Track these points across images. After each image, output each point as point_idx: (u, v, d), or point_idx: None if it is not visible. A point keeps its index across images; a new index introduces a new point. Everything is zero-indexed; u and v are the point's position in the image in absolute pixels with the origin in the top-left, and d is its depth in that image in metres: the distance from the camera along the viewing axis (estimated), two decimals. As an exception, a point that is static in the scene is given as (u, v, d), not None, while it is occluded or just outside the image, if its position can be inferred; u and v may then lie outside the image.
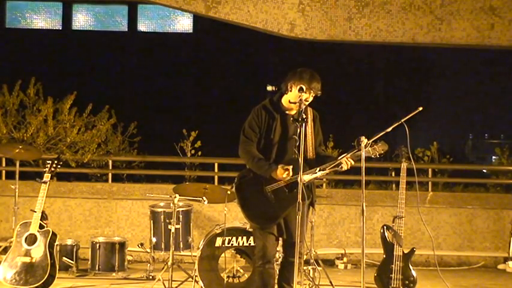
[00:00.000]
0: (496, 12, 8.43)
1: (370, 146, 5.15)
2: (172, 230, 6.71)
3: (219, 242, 6.52)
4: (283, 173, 5.14)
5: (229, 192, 6.50)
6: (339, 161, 5.20)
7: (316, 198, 5.58)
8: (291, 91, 5.27)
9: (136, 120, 10.20)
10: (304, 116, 5.07)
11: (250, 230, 6.23)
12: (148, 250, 7.37)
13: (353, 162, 5.20)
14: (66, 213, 8.86)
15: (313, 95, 5.27)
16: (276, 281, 5.62)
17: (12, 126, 9.36)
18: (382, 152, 5.21)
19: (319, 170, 5.21)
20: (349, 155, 5.19)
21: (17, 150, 7.65)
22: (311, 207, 5.54)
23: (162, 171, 10.31)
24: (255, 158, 5.25)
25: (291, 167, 5.12)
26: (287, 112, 5.33)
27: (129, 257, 8.01)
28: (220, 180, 9.45)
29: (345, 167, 5.19)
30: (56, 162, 6.90)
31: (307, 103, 5.25)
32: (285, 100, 5.35)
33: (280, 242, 5.46)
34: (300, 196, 4.87)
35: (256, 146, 5.32)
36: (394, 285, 6.47)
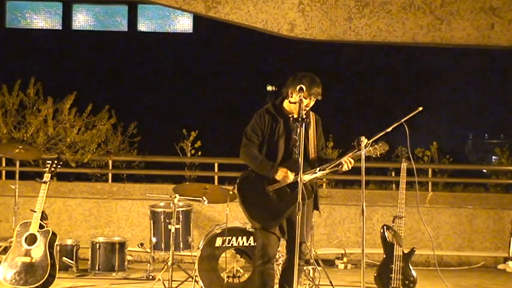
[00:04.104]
0: (496, 12, 8.43)
1: (370, 146, 5.16)
2: (172, 230, 6.71)
3: (219, 242, 6.52)
4: (281, 177, 5.15)
5: (231, 192, 6.49)
6: (339, 161, 5.21)
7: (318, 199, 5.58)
8: (291, 97, 5.28)
9: (136, 120, 10.20)
10: (304, 116, 5.09)
11: (250, 230, 6.25)
12: (148, 250, 7.37)
13: (353, 162, 5.22)
14: (66, 213, 8.86)
15: (314, 100, 5.29)
16: (276, 281, 5.63)
17: (12, 126, 9.36)
18: (383, 151, 5.23)
19: (319, 170, 5.23)
20: (349, 155, 5.20)
21: (17, 150, 7.65)
22: (315, 211, 5.56)
23: (162, 171, 10.30)
24: (257, 158, 5.27)
25: (293, 174, 5.12)
26: (289, 116, 5.34)
27: (129, 257, 8.01)
28: (220, 180, 9.45)
29: (345, 167, 5.20)
30: (56, 162, 6.90)
31: (307, 108, 5.26)
32: (286, 104, 5.36)
33: (284, 243, 5.46)
34: (299, 196, 4.87)
35: (260, 149, 5.33)
36: (394, 285, 6.48)
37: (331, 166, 5.23)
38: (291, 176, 5.15)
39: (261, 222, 5.29)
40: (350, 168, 5.23)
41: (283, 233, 5.33)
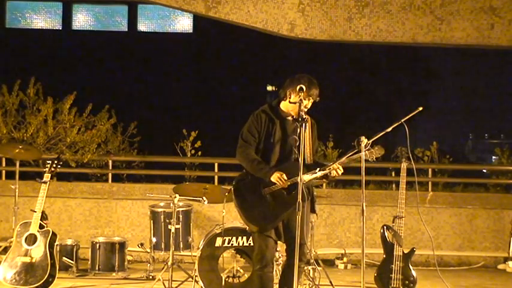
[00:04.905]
0: (496, 12, 8.43)
1: (367, 149, 5.15)
2: (172, 230, 6.71)
3: (219, 242, 6.52)
4: (277, 179, 5.14)
5: (227, 194, 6.49)
6: (333, 164, 5.19)
7: (316, 200, 5.57)
8: (289, 98, 5.28)
9: (136, 120, 10.20)
10: (304, 117, 5.08)
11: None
12: (148, 250, 7.37)
13: (342, 170, 5.19)
14: (66, 213, 8.86)
15: (312, 101, 5.28)
16: (276, 281, 5.63)
17: (12, 126, 9.36)
18: (379, 155, 5.22)
19: (319, 170, 5.22)
20: (345, 158, 5.20)
21: (17, 150, 7.65)
22: (312, 213, 5.55)
23: (162, 171, 10.30)
24: (254, 160, 5.25)
25: (288, 182, 5.11)
26: (286, 117, 5.33)
27: (129, 257, 8.01)
28: (220, 180, 9.45)
29: (334, 173, 5.18)
30: (56, 162, 6.89)
31: (306, 110, 5.24)
32: (283, 105, 5.35)
33: (283, 244, 5.46)
34: (299, 196, 4.86)
35: (256, 150, 5.31)
36: (394, 285, 6.47)
37: (330, 166, 5.22)
38: (284, 178, 5.11)
39: (257, 225, 5.27)
40: (340, 174, 5.20)
41: (279, 236, 5.30)
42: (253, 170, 5.25)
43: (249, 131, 5.32)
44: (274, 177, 5.15)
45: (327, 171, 5.21)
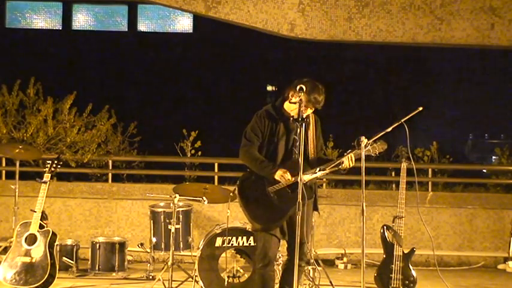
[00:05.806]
0: (496, 12, 8.43)
1: (370, 145, 5.15)
2: (172, 230, 6.72)
3: (219, 242, 6.52)
4: (280, 177, 5.13)
5: (231, 194, 6.48)
6: (339, 160, 5.20)
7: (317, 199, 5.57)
8: (290, 100, 5.27)
9: (136, 120, 10.20)
10: (304, 116, 5.08)
11: (250, 230, 6.24)
12: (148, 250, 7.37)
13: (354, 160, 5.20)
14: (66, 213, 8.86)
15: (312, 108, 5.27)
16: (277, 281, 5.63)
17: (12, 126, 9.36)
18: (382, 150, 5.22)
19: (319, 170, 5.22)
20: (352, 154, 5.19)
21: (17, 150, 7.65)
22: (315, 212, 5.56)
23: (162, 171, 10.30)
24: (258, 159, 5.26)
25: (292, 180, 5.11)
26: (289, 117, 5.33)
27: (129, 257, 8.01)
28: (220, 180, 9.45)
29: (346, 164, 5.16)
30: (56, 162, 6.90)
31: (304, 115, 5.22)
32: (286, 105, 5.35)
33: (284, 243, 5.46)
34: (299, 196, 4.86)
35: (260, 151, 5.31)
36: (394, 285, 6.48)
37: (332, 166, 5.22)
38: (288, 176, 5.13)
39: (262, 224, 5.28)
40: (351, 165, 5.20)
41: (283, 234, 5.32)
42: (257, 168, 5.25)
43: (253, 131, 5.33)
44: (278, 175, 5.15)
45: (327, 170, 5.21)
